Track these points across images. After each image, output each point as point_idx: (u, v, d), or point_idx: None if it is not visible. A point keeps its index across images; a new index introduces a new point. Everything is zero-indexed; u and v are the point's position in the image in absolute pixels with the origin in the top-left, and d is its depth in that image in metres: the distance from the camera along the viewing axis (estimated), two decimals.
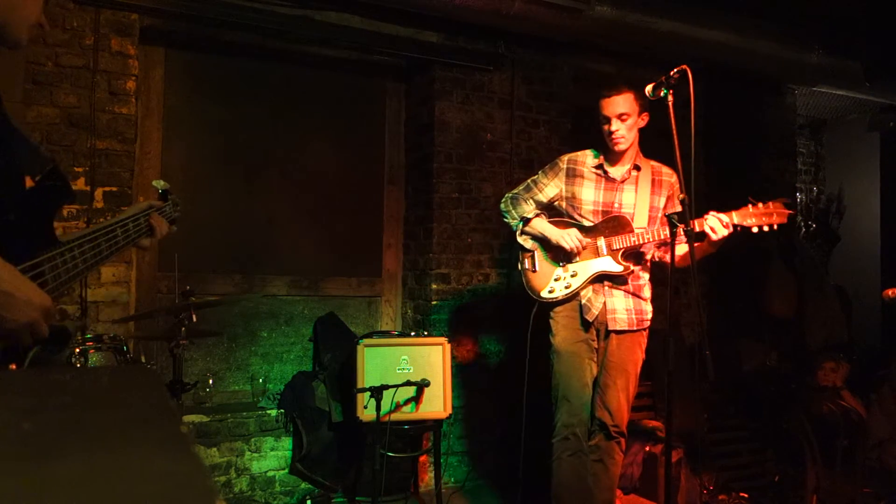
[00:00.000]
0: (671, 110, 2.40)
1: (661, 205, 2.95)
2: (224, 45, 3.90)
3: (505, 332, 4.24)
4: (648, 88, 2.50)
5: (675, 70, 2.38)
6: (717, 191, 4.90)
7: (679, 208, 2.85)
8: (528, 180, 3.10)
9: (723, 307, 4.90)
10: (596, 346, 2.94)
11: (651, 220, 2.92)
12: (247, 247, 4.04)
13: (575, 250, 2.86)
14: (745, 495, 3.78)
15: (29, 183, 1.34)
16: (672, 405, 2.48)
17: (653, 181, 2.94)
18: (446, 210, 4.13)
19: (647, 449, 3.80)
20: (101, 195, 3.36)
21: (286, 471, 3.62)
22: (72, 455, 0.48)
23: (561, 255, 2.94)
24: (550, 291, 2.94)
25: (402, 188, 4.45)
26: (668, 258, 2.86)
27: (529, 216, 3.00)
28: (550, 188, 3.02)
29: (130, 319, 3.37)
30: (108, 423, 0.57)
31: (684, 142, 2.36)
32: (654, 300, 3.07)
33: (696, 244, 2.72)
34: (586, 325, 2.90)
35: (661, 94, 2.44)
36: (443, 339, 3.49)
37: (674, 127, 2.37)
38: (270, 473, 3.62)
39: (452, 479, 4.03)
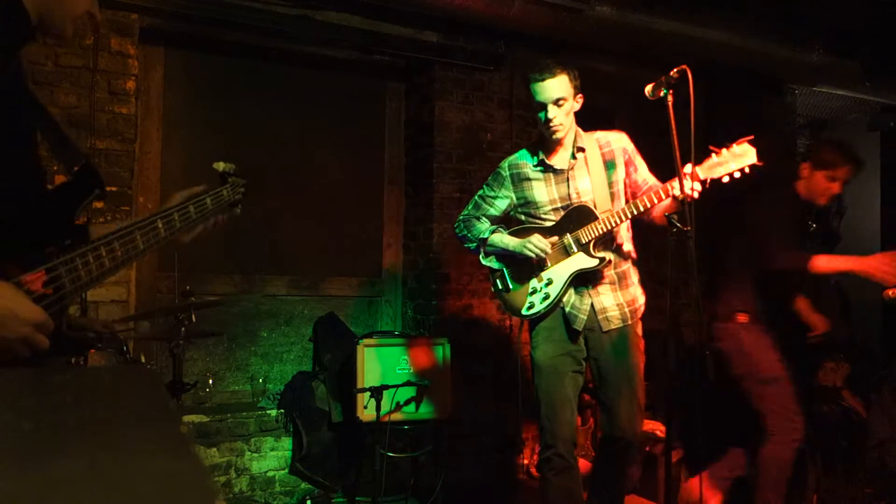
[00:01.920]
0: (671, 110, 2.39)
1: (621, 176, 2.70)
2: (224, 45, 3.90)
3: (505, 332, 4.24)
4: (648, 88, 2.47)
5: (675, 70, 2.37)
6: (717, 191, 4.90)
7: (639, 168, 2.73)
8: (475, 197, 2.90)
9: None
10: (582, 357, 2.73)
11: (615, 196, 2.67)
12: (247, 247, 4.04)
13: (541, 255, 2.63)
14: None
15: (59, 178, 1.34)
16: (672, 405, 2.47)
17: (602, 156, 2.69)
18: (446, 210, 4.13)
19: (647, 449, 3.80)
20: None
21: (286, 471, 3.62)
22: (72, 455, 0.48)
23: (531, 267, 2.71)
24: (530, 308, 2.71)
25: (402, 188, 4.45)
26: (645, 217, 2.68)
27: (485, 235, 2.78)
28: (500, 200, 2.82)
29: (130, 319, 3.37)
30: (108, 423, 0.57)
31: (684, 142, 2.36)
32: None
33: (667, 201, 2.54)
34: (573, 335, 2.68)
35: (661, 94, 2.42)
36: (443, 339, 3.48)
37: (673, 127, 2.36)
38: (270, 473, 3.62)
39: (452, 480, 4.03)
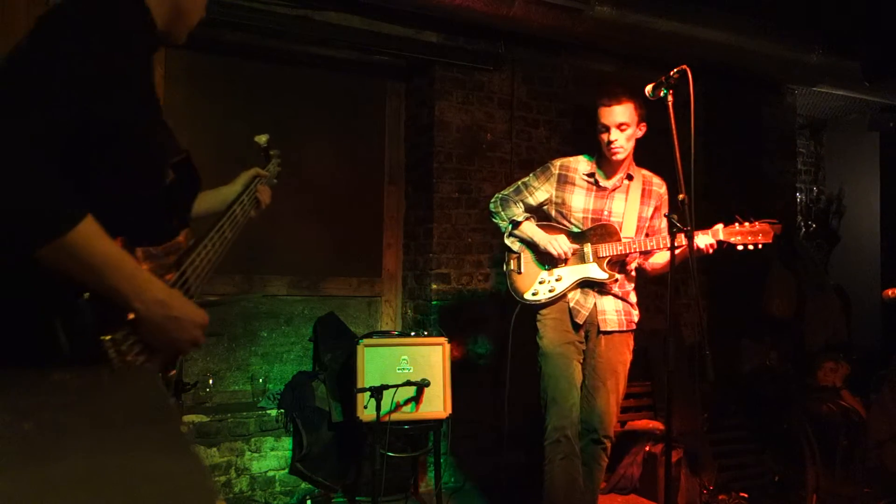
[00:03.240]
0: (671, 110, 2.40)
1: (649, 215, 2.94)
2: (224, 45, 3.89)
3: (505, 332, 4.24)
4: (648, 88, 2.49)
5: (675, 70, 2.38)
6: (717, 191, 4.91)
7: (663, 220, 2.92)
8: (519, 182, 3.07)
9: (723, 307, 4.90)
10: (584, 349, 2.92)
11: (639, 229, 2.91)
12: (247, 247, 4.03)
13: (562, 256, 2.86)
14: (745, 495, 3.78)
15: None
16: (672, 405, 2.48)
17: (643, 191, 2.93)
18: (446, 210, 4.13)
19: (647, 449, 3.80)
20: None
21: (286, 471, 3.62)
22: (72, 455, 0.48)
23: (547, 260, 2.93)
24: (534, 294, 2.93)
25: (402, 188, 4.45)
26: (646, 266, 3.00)
27: (519, 220, 2.98)
28: (541, 192, 3.00)
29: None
30: (108, 423, 0.57)
31: (684, 142, 2.36)
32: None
33: (665, 262, 2.85)
34: (575, 327, 2.89)
35: (661, 94, 2.44)
36: (443, 339, 3.48)
37: (673, 127, 2.37)
38: (270, 473, 3.62)
39: (452, 480, 4.03)
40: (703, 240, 2.68)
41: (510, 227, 3.01)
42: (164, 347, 1.28)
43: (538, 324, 2.95)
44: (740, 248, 2.69)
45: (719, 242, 2.69)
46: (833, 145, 7.13)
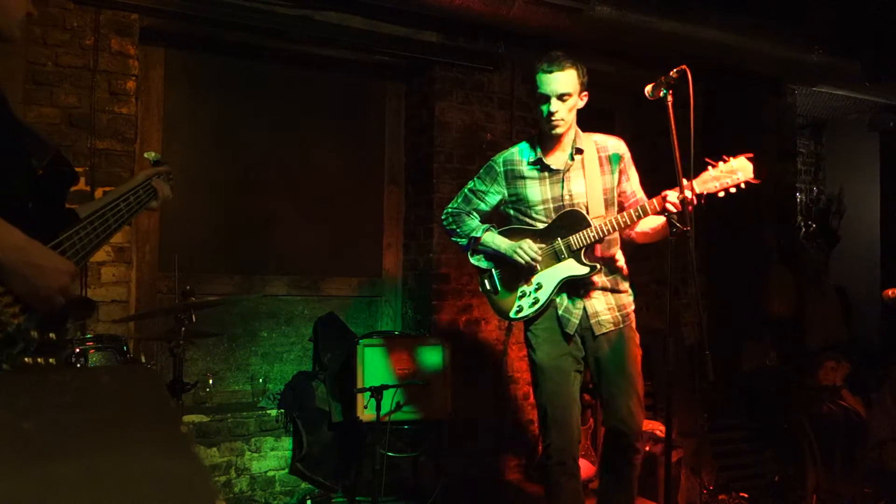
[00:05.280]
0: (671, 110, 2.39)
1: (615, 182, 2.67)
2: (224, 45, 3.90)
3: (505, 332, 4.24)
4: (648, 88, 2.47)
5: (675, 70, 2.37)
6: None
7: (632, 180, 2.71)
8: (465, 189, 2.83)
9: (723, 307, 4.89)
10: (583, 356, 2.68)
11: (608, 203, 2.64)
12: (247, 247, 4.04)
13: (531, 264, 2.61)
14: (745, 495, 3.79)
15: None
16: (672, 405, 2.46)
17: (599, 160, 2.65)
18: None
19: (647, 449, 3.79)
20: (102, 195, 3.35)
21: (286, 471, 3.62)
22: (72, 455, 0.48)
23: (521, 270, 2.67)
24: (518, 311, 2.68)
25: (402, 188, 4.45)
26: (634, 236, 2.73)
27: (478, 234, 2.73)
28: (491, 195, 2.76)
29: (130, 319, 3.37)
30: (108, 423, 0.57)
31: (684, 142, 2.36)
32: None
33: (659, 226, 2.60)
34: (567, 337, 2.64)
35: (661, 94, 2.42)
36: (443, 339, 3.48)
37: (673, 127, 2.36)
38: (270, 473, 3.62)
39: (452, 480, 4.03)
40: (672, 196, 2.40)
41: (471, 243, 2.77)
42: (30, 297, 1.31)
43: (529, 335, 2.71)
44: (721, 194, 2.43)
45: (697, 196, 2.40)
46: (833, 145, 7.13)
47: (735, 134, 5.11)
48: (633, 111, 5.02)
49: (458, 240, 2.83)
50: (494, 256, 2.73)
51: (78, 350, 2.76)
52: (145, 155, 2.12)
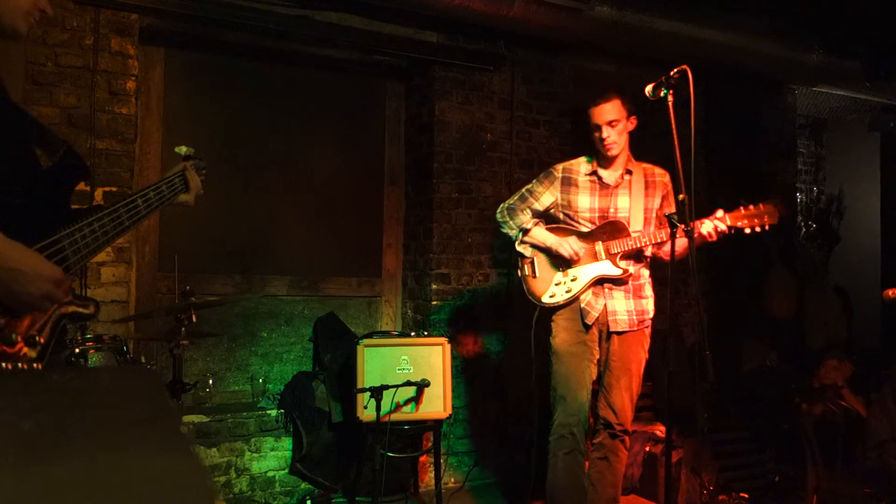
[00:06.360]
0: (671, 110, 2.40)
1: (656, 205, 3.01)
2: (224, 45, 3.90)
3: (505, 332, 4.24)
4: (648, 88, 2.49)
5: (675, 70, 2.38)
6: (717, 191, 4.90)
7: (674, 207, 2.95)
8: (523, 190, 3.14)
9: (723, 307, 4.90)
10: (597, 348, 2.98)
11: (647, 221, 2.98)
12: (247, 247, 4.04)
13: (573, 257, 2.92)
14: (745, 495, 3.78)
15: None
16: (672, 405, 2.47)
17: (646, 183, 3.00)
18: (446, 210, 4.13)
19: (647, 449, 3.80)
20: (101, 195, 3.35)
21: (286, 471, 3.62)
22: (72, 455, 0.47)
23: (560, 261, 3.00)
24: (552, 296, 2.99)
25: (402, 188, 4.45)
26: (662, 255, 3.02)
27: (528, 226, 3.05)
28: (546, 197, 3.08)
29: (130, 319, 3.37)
30: (108, 423, 0.57)
31: (684, 142, 2.36)
32: (655, 299, 3.08)
33: (681, 249, 2.81)
34: (587, 327, 2.95)
35: (661, 94, 2.44)
36: (443, 339, 3.48)
37: (674, 127, 2.37)
38: (270, 473, 3.62)
39: (452, 480, 4.03)
40: (708, 226, 2.73)
41: (520, 234, 3.07)
42: (11, 302, 1.26)
43: (552, 324, 3.02)
44: (748, 231, 2.73)
45: (728, 228, 2.74)
46: (833, 145, 7.13)
47: (735, 134, 5.11)
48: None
49: (508, 230, 3.12)
50: (539, 247, 3.05)
51: (78, 350, 2.76)
52: (176, 150, 2.09)
